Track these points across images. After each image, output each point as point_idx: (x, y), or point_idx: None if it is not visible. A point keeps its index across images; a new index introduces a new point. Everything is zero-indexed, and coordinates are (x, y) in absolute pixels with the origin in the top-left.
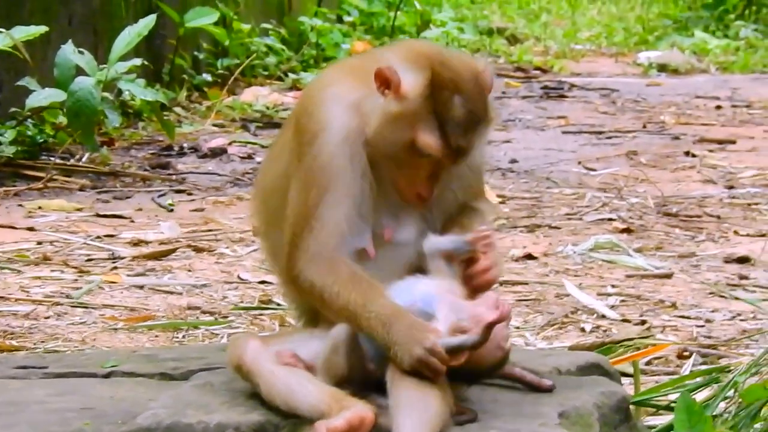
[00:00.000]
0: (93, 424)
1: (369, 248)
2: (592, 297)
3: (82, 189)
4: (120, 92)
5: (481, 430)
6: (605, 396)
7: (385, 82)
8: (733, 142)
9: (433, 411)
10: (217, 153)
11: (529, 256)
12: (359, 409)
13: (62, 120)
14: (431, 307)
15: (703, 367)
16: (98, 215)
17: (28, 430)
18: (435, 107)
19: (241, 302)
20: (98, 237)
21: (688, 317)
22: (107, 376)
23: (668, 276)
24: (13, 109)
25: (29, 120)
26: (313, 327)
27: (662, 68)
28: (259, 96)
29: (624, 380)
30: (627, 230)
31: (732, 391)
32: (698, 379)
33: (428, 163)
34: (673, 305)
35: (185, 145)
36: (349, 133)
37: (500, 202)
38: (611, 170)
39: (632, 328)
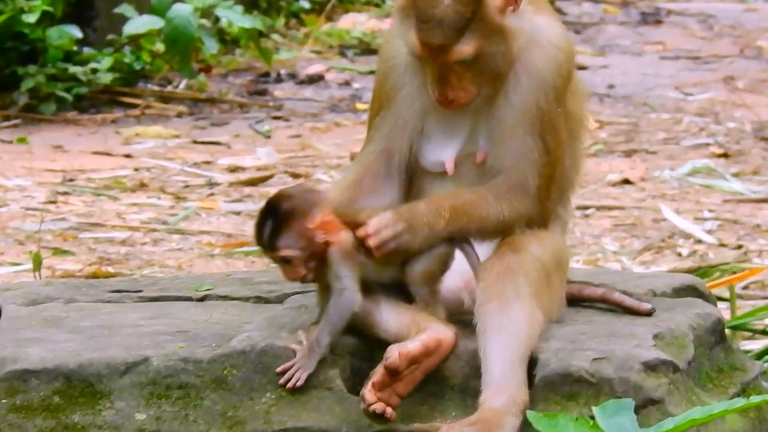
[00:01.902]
0: (187, 347)
1: (448, 165)
2: (689, 221)
3: (179, 116)
4: (217, 19)
5: (575, 350)
6: (700, 317)
7: None
8: None
9: (521, 334)
10: (315, 80)
11: (627, 181)
12: (437, 331)
13: (159, 47)
14: None
15: None
16: (195, 142)
17: (122, 352)
18: (414, 9)
19: None
20: (195, 163)
21: None
22: (202, 299)
23: (765, 200)
24: (110, 37)
25: (126, 47)
26: None
27: None
28: (356, 23)
29: (720, 305)
30: (724, 155)
31: None
32: None
33: (430, 64)
34: None
35: (282, 71)
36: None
37: (597, 127)
38: (708, 95)
39: (729, 253)
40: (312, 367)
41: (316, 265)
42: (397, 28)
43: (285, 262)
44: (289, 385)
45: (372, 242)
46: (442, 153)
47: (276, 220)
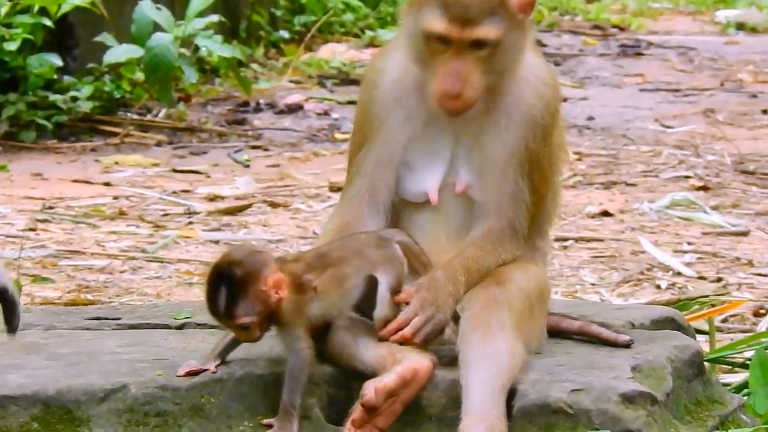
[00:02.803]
0: (165, 375)
1: (432, 196)
2: (668, 254)
3: (158, 144)
4: (197, 48)
5: (554, 382)
6: (679, 350)
7: None
8: None
9: (503, 365)
10: (294, 109)
11: (605, 213)
12: (413, 361)
13: (139, 76)
14: None
15: None
16: (174, 170)
17: (100, 379)
18: None
19: None
20: (174, 192)
21: (764, 275)
22: (180, 327)
23: (745, 234)
24: (90, 65)
25: (106, 76)
26: None
27: (740, 27)
28: (336, 53)
29: (699, 337)
30: (704, 188)
31: None
32: None
33: (445, 50)
34: (750, 263)
35: (261, 101)
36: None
37: (577, 159)
38: (688, 128)
39: (708, 285)
40: (294, 428)
41: (266, 325)
42: (409, 21)
43: (243, 328)
44: None
45: (417, 339)
46: (426, 183)
47: (230, 287)
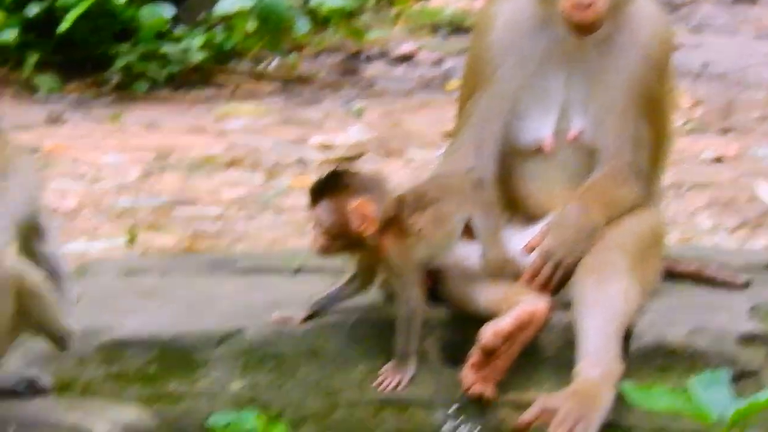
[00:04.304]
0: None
1: (545, 143)
2: None
3: (270, 95)
4: None
5: (670, 323)
6: None
7: None
8: None
9: (618, 308)
10: (406, 59)
11: (721, 159)
12: (529, 304)
13: (251, 26)
14: None
15: None
16: (287, 120)
17: (217, 323)
18: None
19: None
20: (287, 141)
21: None
22: (296, 272)
23: None
24: (202, 15)
25: (218, 26)
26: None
27: None
28: (448, 2)
29: None
30: None
31: None
32: None
33: None
34: None
35: (374, 50)
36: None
37: (692, 106)
38: None
39: None
40: (411, 372)
41: (342, 247)
42: None
43: (317, 222)
44: (391, 386)
45: (547, 290)
46: (538, 130)
47: (329, 183)
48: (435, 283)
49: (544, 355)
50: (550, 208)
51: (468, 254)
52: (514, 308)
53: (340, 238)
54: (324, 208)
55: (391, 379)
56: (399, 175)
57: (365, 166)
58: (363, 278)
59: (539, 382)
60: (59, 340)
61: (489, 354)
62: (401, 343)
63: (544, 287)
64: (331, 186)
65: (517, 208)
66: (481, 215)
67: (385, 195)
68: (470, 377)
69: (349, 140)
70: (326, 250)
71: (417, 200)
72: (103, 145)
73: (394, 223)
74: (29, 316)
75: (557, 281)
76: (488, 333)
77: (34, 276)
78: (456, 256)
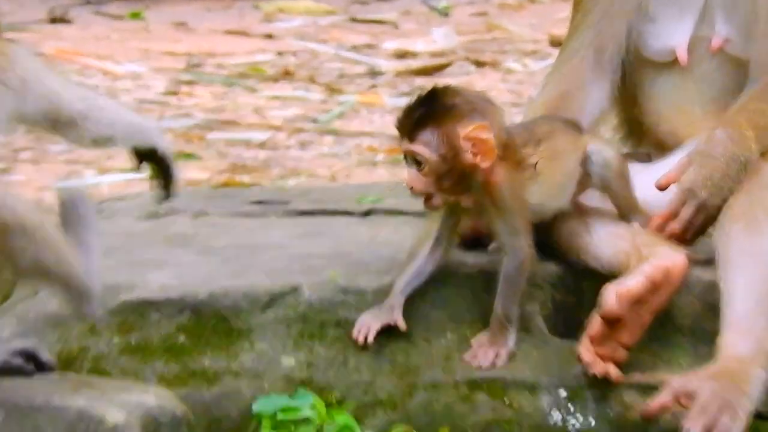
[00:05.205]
0: (346, 275)
1: (680, 53)
2: None
3: None
4: None
5: None
6: None
7: None
8: None
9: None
10: None
11: None
12: (664, 258)
13: None
14: None
15: None
16: (354, 20)
17: (265, 280)
18: None
19: None
20: (354, 47)
21: None
22: (366, 214)
23: None
24: None
25: None
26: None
27: None
28: None
29: None
30: None
31: None
32: None
33: None
34: None
35: None
36: None
37: None
38: None
39: None
40: (512, 344)
41: (449, 190)
42: None
43: (416, 163)
44: (486, 363)
45: (689, 236)
46: (671, 37)
47: (428, 108)
48: (544, 232)
49: (680, 324)
50: (689, 135)
51: (587, 196)
52: (643, 264)
53: (447, 178)
54: (426, 139)
55: (485, 353)
56: (496, 91)
57: (454, 81)
58: (449, 238)
59: (672, 360)
60: (73, 297)
61: (612, 323)
62: (501, 306)
63: (682, 236)
64: (434, 109)
65: (646, 134)
66: (601, 148)
67: (496, 117)
68: (588, 353)
69: (432, 47)
70: (431, 197)
71: (527, 133)
72: (119, 51)
73: (507, 154)
74: (20, 259)
75: (698, 228)
76: (611, 296)
77: (29, 211)
78: (571, 198)
